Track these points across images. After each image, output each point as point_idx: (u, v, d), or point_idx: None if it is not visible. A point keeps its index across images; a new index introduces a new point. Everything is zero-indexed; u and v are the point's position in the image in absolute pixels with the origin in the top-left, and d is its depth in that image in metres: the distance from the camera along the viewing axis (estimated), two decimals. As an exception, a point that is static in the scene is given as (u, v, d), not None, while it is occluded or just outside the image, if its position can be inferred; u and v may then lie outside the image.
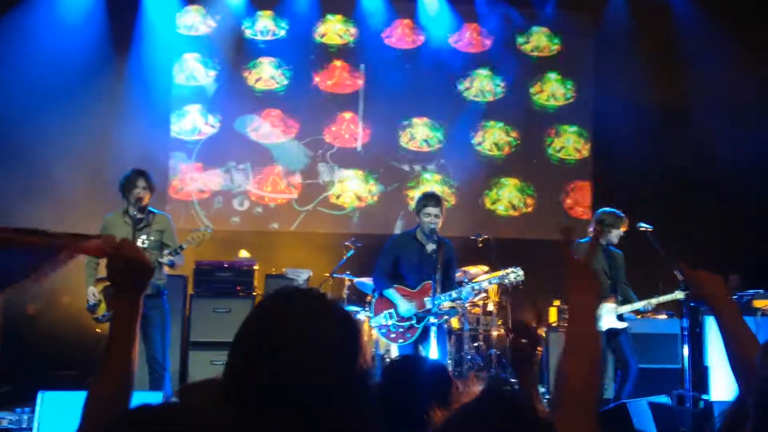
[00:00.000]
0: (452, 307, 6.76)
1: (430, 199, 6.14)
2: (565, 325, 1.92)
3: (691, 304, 6.26)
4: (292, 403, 1.35)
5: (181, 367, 7.30)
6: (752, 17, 9.02)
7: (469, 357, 7.65)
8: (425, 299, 6.02)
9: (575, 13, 10.37)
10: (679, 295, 6.18)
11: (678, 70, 9.53)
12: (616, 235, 6.47)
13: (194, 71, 9.82)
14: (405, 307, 6.02)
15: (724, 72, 9.06)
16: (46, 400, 5.06)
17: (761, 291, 7.42)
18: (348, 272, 7.79)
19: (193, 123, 9.74)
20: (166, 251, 6.03)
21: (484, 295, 7.86)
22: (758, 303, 7.24)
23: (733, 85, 8.96)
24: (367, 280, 7.23)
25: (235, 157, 9.75)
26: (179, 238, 6.34)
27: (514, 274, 6.24)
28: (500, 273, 6.42)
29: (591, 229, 6.63)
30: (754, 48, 8.93)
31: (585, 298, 1.81)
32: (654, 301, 6.38)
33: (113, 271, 1.74)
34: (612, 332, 6.37)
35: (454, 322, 7.54)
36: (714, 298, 2.14)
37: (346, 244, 7.75)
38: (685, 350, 6.05)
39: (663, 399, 5.94)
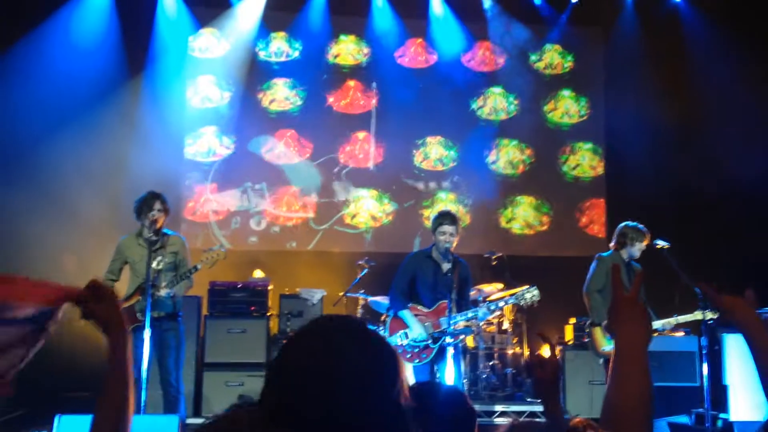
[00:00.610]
0: (467, 326, 6.71)
1: (445, 217, 6.12)
2: (614, 359, 1.76)
3: (718, 326, 6.19)
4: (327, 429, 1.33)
5: (195, 389, 7.25)
6: (764, 32, 8.97)
7: (484, 376, 7.60)
8: (441, 319, 5.97)
9: (586, 28, 10.37)
10: (698, 315, 6.09)
11: (690, 84, 9.48)
12: (638, 248, 6.44)
13: (209, 93, 9.89)
14: (417, 331, 5.98)
15: (736, 87, 9.00)
16: (63, 424, 5.05)
17: (779, 308, 7.30)
18: (362, 291, 7.77)
19: (208, 145, 9.79)
20: (165, 281, 6.02)
21: (498, 313, 7.81)
22: (778, 320, 7.13)
23: (746, 100, 8.90)
24: (382, 299, 7.20)
25: (251, 178, 9.78)
26: (195, 259, 6.34)
27: (530, 294, 6.19)
28: (516, 292, 6.37)
29: (613, 243, 6.57)
30: (766, 63, 8.88)
31: (635, 330, 1.76)
32: (673, 321, 6.30)
33: (94, 315, 1.83)
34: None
35: (469, 341, 7.48)
36: (745, 323, 2.09)
37: (360, 263, 7.73)
38: (704, 368, 5.95)
39: (683, 419, 5.85)
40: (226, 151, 9.80)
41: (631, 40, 9.92)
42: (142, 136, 8.99)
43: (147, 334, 5.59)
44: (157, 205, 6.09)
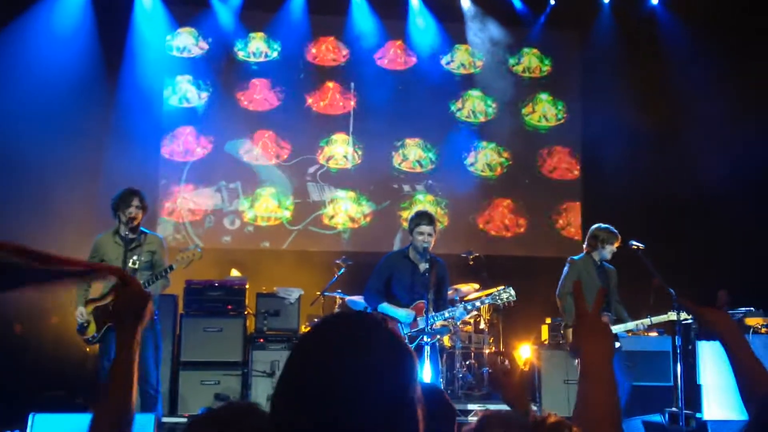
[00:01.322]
0: (444, 326, 6.70)
1: (423, 217, 6.10)
2: (579, 378, 1.73)
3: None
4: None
5: (171, 388, 7.19)
6: (739, 36, 9.08)
7: (461, 375, 7.60)
8: (418, 318, 5.97)
9: (563, 32, 10.45)
10: (672, 316, 6.14)
11: (666, 88, 9.59)
12: (609, 251, 6.49)
13: (186, 93, 9.84)
14: (404, 313, 5.93)
15: (711, 90, 9.10)
16: (37, 422, 4.98)
17: (752, 309, 7.40)
18: (339, 290, 7.74)
19: (185, 145, 9.74)
20: (141, 280, 5.96)
21: (475, 313, 7.82)
22: (750, 321, 7.22)
23: (721, 103, 9.00)
24: (359, 299, 7.17)
25: (226, 177, 9.75)
26: (170, 259, 6.28)
27: (506, 294, 6.18)
28: (493, 292, 6.38)
29: (585, 245, 6.62)
30: (742, 66, 8.99)
31: (598, 346, 1.74)
32: (647, 321, 6.34)
33: (120, 302, 1.83)
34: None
35: (446, 341, 7.48)
36: (726, 333, 2.11)
37: (337, 262, 7.71)
38: (678, 368, 5.99)
39: (656, 418, 5.89)
40: (203, 152, 9.74)
41: (607, 43, 10.02)
42: (119, 134, 8.96)
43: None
44: (135, 202, 6.01)
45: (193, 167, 9.70)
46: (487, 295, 6.44)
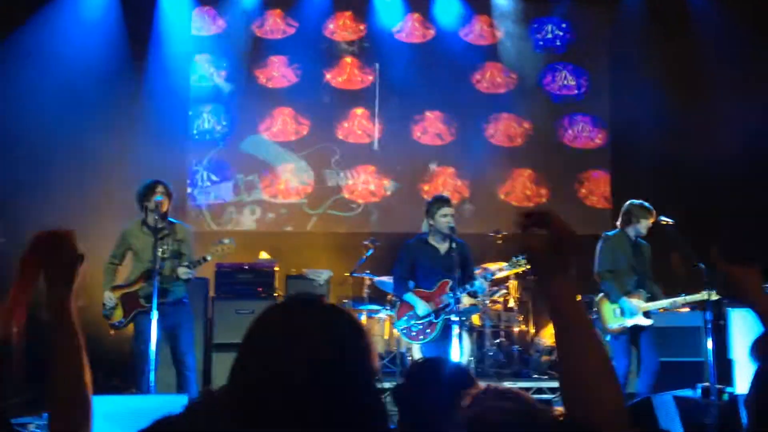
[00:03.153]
0: (474, 305, 6.97)
1: (443, 201, 6.43)
2: (555, 328, 1.54)
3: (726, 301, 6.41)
4: (294, 414, 1.38)
5: (204, 370, 7.49)
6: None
7: (491, 354, 7.86)
8: (442, 296, 6.25)
9: (591, 5, 10.57)
10: (705, 295, 6.29)
11: (695, 61, 9.69)
12: (644, 226, 6.64)
13: (205, 72, 10.05)
14: (422, 308, 6.26)
15: (742, 64, 9.22)
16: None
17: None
18: (368, 271, 7.98)
19: (206, 124, 9.98)
20: (184, 264, 6.22)
21: (504, 291, 8.06)
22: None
23: (752, 77, 9.12)
24: (387, 279, 7.43)
25: (243, 169, 10.01)
26: (196, 248, 6.54)
27: (525, 260, 6.42)
28: (512, 260, 6.64)
29: (619, 221, 6.80)
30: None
31: (570, 284, 1.53)
32: (680, 300, 6.52)
33: (54, 260, 1.73)
34: (636, 328, 6.56)
35: (476, 319, 7.73)
36: (748, 293, 2.02)
37: (365, 243, 7.95)
38: (709, 343, 6.18)
39: (688, 392, 6.11)
40: (224, 130, 9.98)
41: (637, 13, 10.11)
42: (146, 117, 9.16)
43: (155, 317, 5.79)
44: (160, 189, 6.24)
45: (215, 156, 9.96)
46: (506, 264, 6.73)
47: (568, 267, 1.52)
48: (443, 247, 6.36)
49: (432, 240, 6.42)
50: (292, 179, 10.10)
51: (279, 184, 10.08)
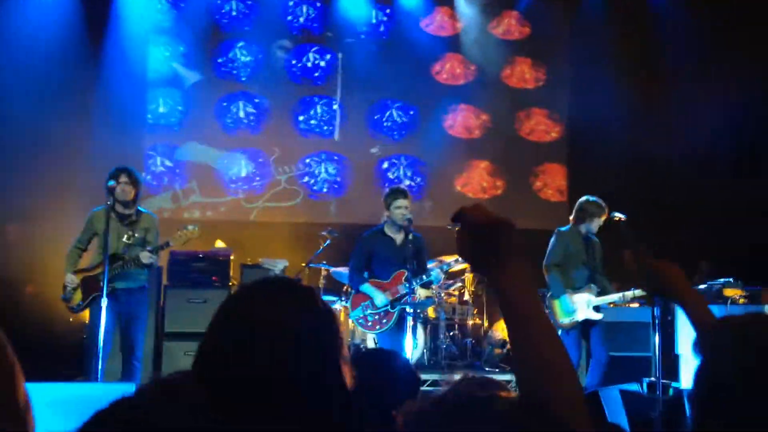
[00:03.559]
0: (429, 297, 7.07)
1: (399, 193, 6.49)
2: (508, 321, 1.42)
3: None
4: (261, 393, 1.40)
5: (154, 358, 7.48)
6: (726, 8, 9.39)
7: (444, 346, 7.97)
8: (398, 286, 6.34)
9: (551, 2, 10.73)
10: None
11: (654, 58, 9.91)
12: (597, 224, 6.81)
13: (162, 56, 9.96)
14: (380, 298, 6.33)
15: (699, 61, 9.44)
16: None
17: (731, 280, 7.75)
18: (324, 262, 8.03)
19: (162, 110, 9.91)
20: (147, 249, 6.22)
21: (460, 284, 8.17)
22: (729, 292, 7.56)
23: (710, 74, 9.34)
24: (344, 270, 7.49)
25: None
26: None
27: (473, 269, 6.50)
28: None
29: (572, 217, 6.94)
30: (728, 33, 9.32)
31: (513, 265, 1.41)
32: (629, 294, 6.71)
33: None
34: (587, 322, 6.72)
35: (431, 312, 7.83)
36: (674, 287, 2.03)
37: (323, 234, 7.99)
38: (656, 338, 6.36)
39: (634, 387, 6.27)
40: (179, 118, 9.93)
41: (597, 9, 10.28)
42: (101, 102, 9.07)
43: (104, 303, 5.78)
44: (123, 178, 6.24)
45: (169, 138, 9.89)
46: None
47: (505, 254, 1.40)
48: (399, 238, 6.45)
49: (388, 231, 6.50)
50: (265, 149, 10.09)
51: (235, 167, 10.05)
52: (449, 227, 8.17)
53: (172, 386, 1.72)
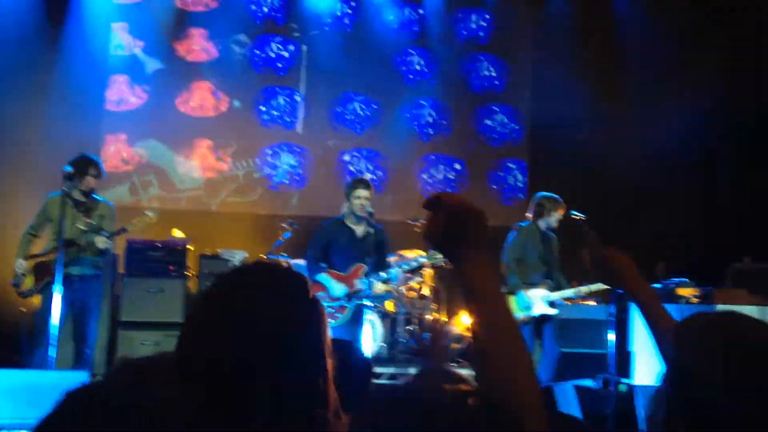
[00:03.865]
0: (387, 291, 7.10)
1: (360, 182, 6.46)
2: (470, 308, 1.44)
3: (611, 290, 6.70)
4: (242, 377, 1.38)
5: (109, 347, 7.42)
6: (689, 15, 9.58)
7: (402, 340, 8.02)
8: (356, 281, 6.32)
9: (516, 1, 10.86)
10: (603, 285, 6.60)
11: (617, 61, 10.08)
12: (555, 219, 6.93)
13: (123, 41, 9.84)
14: (338, 288, 6.30)
15: (662, 65, 9.63)
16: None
17: (686, 280, 7.93)
18: (284, 254, 8.03)
19: (120, 94, 9.78)
20: (103, 234, 6.17)
21: (420, 279, 8.22)
22: (682, 291, 7.73)
23: (671, 79, 9.53)
24: (303, 262, 7.48)
25: (159, 135, 9.83)
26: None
27: (441, 255, 6.54)
28: (428, 253, 6.79)
29: (530, 213, 7.04)
30: (690, 40, 9.51)
31: (481, 255, 1.44)
32: (584, 289, 6.85)
33: None
34: (542, 318, 6.83)
35: (390, 306, 7.88)
36: (624, 277, 2.07)
37: (283, 225, 7.98)
38: (611, 335, 6.48)
39: (588, 382, 6.40)
40: (138, 102, 9.80)
41: (561, 11, 10.42)
42: (60, 86, 8.94)
43: (58, 289, 5.73)
44: (92, 171, 6.24)
45: (138, 117, 9.77)
46: (422, 255, 6.86)
47: (475, 244, 1.44)
48: (360, 229, 6.41)
49: (349, 222, 6.46)
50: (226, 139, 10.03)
51: (209, 144, 9.98)
52: (410, 221, 8.28)
53: (144, 369, 1.75)
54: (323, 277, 6.36)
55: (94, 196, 6.42)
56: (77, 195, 6.24)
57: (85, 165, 6.23)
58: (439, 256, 6.60)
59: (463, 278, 1.44)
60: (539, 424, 1.35)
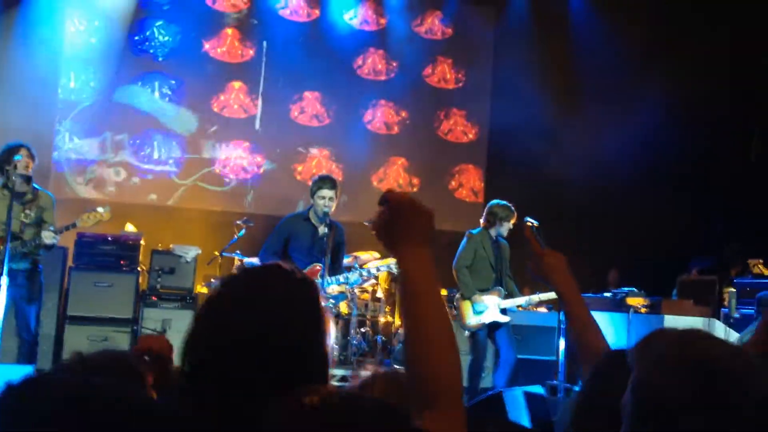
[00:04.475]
0: (341, 292, 7.12)
1: (325, 181, 6.42)
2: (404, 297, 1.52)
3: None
4: (244, 377, 1.44)
5: (56, 341, 7.33)
6: (647, 21, 9.80)
7: (355, 342, 8.06)
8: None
9: (477, 4, 10.98)
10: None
11: (574, 68, 10.27)
12: (506, 227, 7.05)
13: (78, 31, 9.71)
14: None
15: (618, 73, 9.83)
16: None
17: (635, 289, 8.11)
18: (238, 251, 8.01)
19: (73, 85, 9.65)
20: (50, 228, 6.07)
21: (373, 281, 8.27)
22: (631, 300, 7.90)
23: (628, 86, 9.74)
24: (257, 260, 7.48)
25: (112, 127, 9.80)
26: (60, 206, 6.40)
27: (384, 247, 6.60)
28: (389, 261, 6.83)
29: (483, 221, 7.14)
30: (647, 54, 9.74)
31: (420, 251, 1.53)
32: (536, 297, 7.00)
33: None
34: (494, 325, 6.93)
35: (343, 307, 7.91)
36: (553, 275, 2.13)
37: (238, 223, 7.97)
38: (561, 343, 6.61)
39: (537, 389, 6.52)
40: (91, 93, 9.70)
41: (520, 17, 10.58)
42: (11, 76, 8.79)
43: (4, 282, 5.65)
44: (24, 151, 6.10)
45: (82, 113, 9.69)
46: (383, 264, 6.90)
47: (415, 239, 1.54)
48: (322, 228, 6.39)
49: (312, 218, 6.44)
50: (177, 133, 9.96)
51: (147, 148, 9.89)
52: (366, 223, 8.32)
53: (90, 362, 1.78)
54: None
55: (35, 186, 6.28)
56: (18, 185, 6.00)
57: (15, 148, 6.07)
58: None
59: (400, 271, 1.54)
60: (456, 418, 1.43)
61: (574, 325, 2.10)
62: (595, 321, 2.11)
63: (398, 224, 1.56)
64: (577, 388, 5.91)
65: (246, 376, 1.44)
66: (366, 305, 8.36)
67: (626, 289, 8.14)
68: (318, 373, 1.52)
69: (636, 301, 7.87)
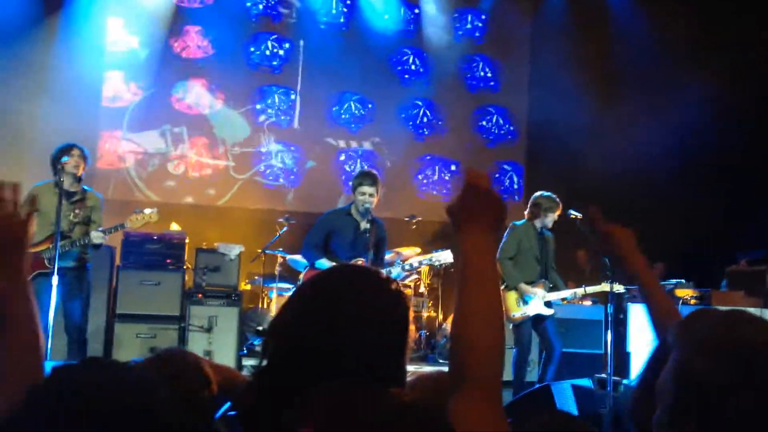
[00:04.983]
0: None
1: (366, 177, 6.45)
2: (460, 278, 1.52)
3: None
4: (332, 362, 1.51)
5: (105, 339, 7.47)
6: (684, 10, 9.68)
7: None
8: (355, 277, 6.33)
9: (513, 2, 10.96)
10: (605, 287, 6.67)
11: (614, 62, 10.17)
12: (551, 219, 7.00)
13: (120, 38, 9.87)
14: None
15: (658, 66, 9.70)
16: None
17: (683, 281, 8.01)
18: (280, 249, 8.08)
19: (115, 90, 9.82)
20: (99, 229, 6.19)
21: (416, 276, 8.29)
22: (680, 292, 7.82)
23: (668, 80, 9.61)
24: (300, 258, 7.54)
25: (171, 121, 9.94)
26: (109, 207, 6.53)
27: (443, 256, 6.64)
28: (430, 255, 6.83)
29: (527, 212, 7.10)
30: (687, 50, 9.60)
31: (484, 236, 1.54)
32: (581, 291, 6.94)
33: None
34: (538, 317, 6.89)
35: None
36: (624, 251, 2.09)
37: (280, 221, 8.04)
38: (609, 336, 6.56)
39: (585, 382, 6.47)
40: (134, 98, 9.85)
41: (558, 12, 10.51)
42: (56, 81, 8.97)
43: (54, 281, 5.76)
44: (76, 152, 6.22)
45: (135, 112, 9.81)
46: (424, 258, 6.90)
47: (481, 222, 1.54)
48: (363, 223, 6.41)
49: (354, 214, 6.47)
50: (223, 135, 10.08)
51: (208, 141, 10.06)
52: (406, 219, 8.35)
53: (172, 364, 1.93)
54: (324, 263, 6.32)
55: (84, 187, 6.41)
56: (67, 185, 6.14)
57: (68, 149, 6.20)
58: (442, 257, 6.62)
59: (460, 251, 1.54)
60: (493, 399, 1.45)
61: (652, 301, 2.04)
62: (666, 294, 2.08)
63: (468, 203, 1.56)
64: (625, 382, 5.89)
65: (330, 373, 1.48)
66: (409, 300, 8.39)
67: (674, 281, 8.05)
68: (395, 379, 1.56)
69: (685, 293, 7.78)
